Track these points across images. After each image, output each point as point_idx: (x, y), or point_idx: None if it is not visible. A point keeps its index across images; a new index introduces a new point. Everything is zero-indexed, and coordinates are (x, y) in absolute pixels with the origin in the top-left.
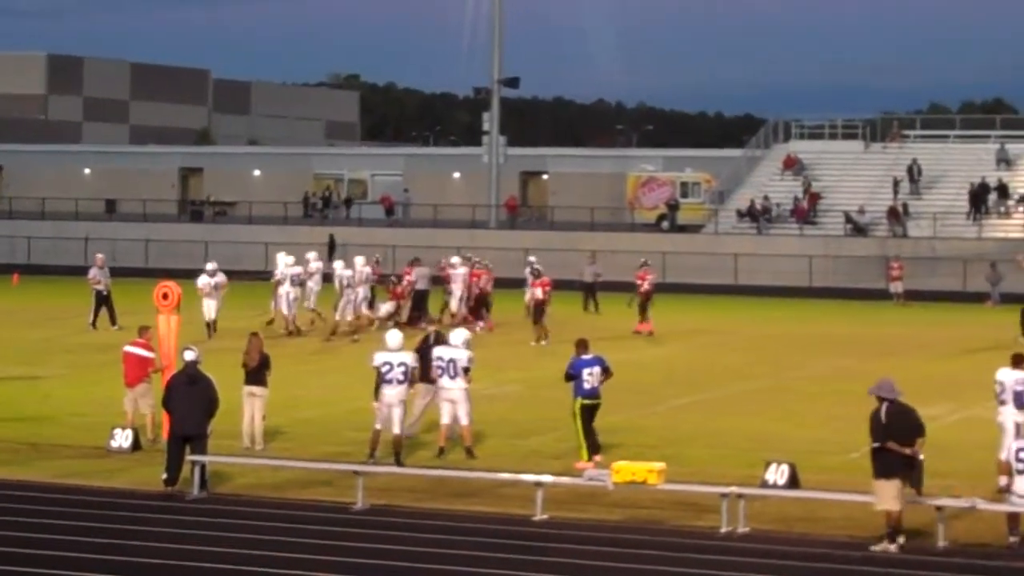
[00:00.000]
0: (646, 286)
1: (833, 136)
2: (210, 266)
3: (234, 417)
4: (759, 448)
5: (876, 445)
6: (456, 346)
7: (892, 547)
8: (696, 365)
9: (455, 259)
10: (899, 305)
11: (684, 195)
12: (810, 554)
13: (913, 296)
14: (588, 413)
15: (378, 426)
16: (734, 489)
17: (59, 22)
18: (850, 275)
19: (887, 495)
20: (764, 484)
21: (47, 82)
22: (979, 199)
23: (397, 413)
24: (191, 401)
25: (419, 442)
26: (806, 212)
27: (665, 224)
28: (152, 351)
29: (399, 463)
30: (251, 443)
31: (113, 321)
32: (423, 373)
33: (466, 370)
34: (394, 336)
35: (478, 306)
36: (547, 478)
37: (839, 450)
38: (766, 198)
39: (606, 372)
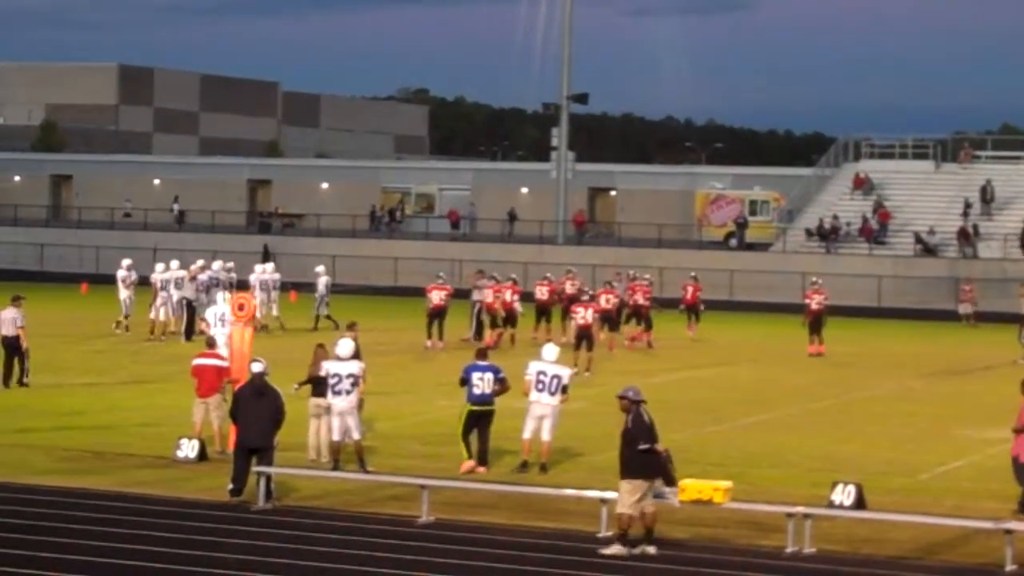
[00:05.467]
0: (814, 306)
1: (903, 156)
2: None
3: (300, 429)
4: (825, 468)
5: (646, 447)
6: (553, 360)
7: (623, 549)
8: (763, 384)
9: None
10: (968, 326)
11: (753, 213)
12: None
13: (983, 318)
14: (475, 419)
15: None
16: (800, 509)
17: (130, 34)
18: (919, 296)
19: (640, 497)
20: (831, 504)
21: (118, 93)
22: None
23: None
24: (258, 413)
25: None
26: (874, 232)
27: (733, 242)
28: (226, 360)
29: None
30: (317, 455)
31: (189, 334)
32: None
33: (565, 388)
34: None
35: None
36: (611, 495)
37: (906, 471)
38: (835, 217)
39: (501, 383)
